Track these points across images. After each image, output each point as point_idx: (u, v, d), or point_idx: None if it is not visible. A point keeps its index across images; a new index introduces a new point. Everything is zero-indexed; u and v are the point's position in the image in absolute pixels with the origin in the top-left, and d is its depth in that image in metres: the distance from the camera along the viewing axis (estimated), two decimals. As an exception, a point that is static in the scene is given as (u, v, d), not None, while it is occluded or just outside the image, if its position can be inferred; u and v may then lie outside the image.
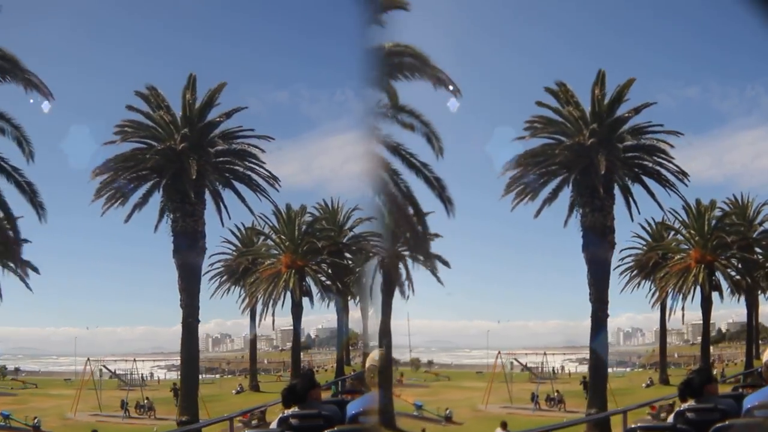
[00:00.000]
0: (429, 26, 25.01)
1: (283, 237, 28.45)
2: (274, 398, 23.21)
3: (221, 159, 25.08)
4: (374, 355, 7.87)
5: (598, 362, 24.04)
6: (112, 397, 25.05)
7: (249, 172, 25.26)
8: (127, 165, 23.80)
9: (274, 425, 6.77)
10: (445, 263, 27.91)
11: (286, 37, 31.24)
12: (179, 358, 24.58)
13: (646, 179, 24.87)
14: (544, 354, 28.78)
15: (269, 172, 25.22)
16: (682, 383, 7.22)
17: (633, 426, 7.63)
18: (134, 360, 27.78)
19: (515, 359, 28.31)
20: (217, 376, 31.77)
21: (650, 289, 29.75)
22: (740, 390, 7.93)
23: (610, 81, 24.06)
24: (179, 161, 23.70)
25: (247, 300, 28.35)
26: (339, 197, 29.94)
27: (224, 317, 29.77)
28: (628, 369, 32.60)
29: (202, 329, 32.69)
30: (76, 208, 22.89)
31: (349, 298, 30.23)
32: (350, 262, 29.66)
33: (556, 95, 24.50)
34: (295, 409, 6.75)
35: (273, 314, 27.41)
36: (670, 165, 24.83)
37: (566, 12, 26.01)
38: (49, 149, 23.81)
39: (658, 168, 25.02)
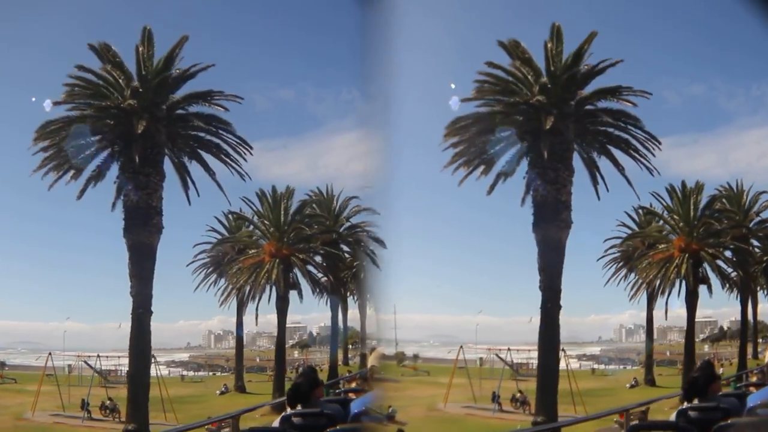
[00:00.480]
0: (429, 24, 25.12)
1: (266, 222, 26.71)
2: (257, 401, 23.05)
3: (181, 123, 22.99)
4: (376, 354, 8.12)
5: (547, 364, 21.78)
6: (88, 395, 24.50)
7: (214, 138, 23.17)
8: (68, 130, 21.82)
9: (276, 423, 7.03)
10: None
11: (292, 36, 32.25)
12: (187, 354, 24.44)
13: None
14: (505, 350, 27.72)
15: (240, 139, 23.28)
16: (687, 383, 7.55)
17: (635, 424, 7.97)
18: (98, 356, 27.27)
19: (497, 354, 27.59)
20: (210, 373, 31.96)
21: (628, 281, 28.75)
22: (743, 389, 8.34)
23: (616, 78, 22.32)
24: (129, 123, 21.67)
25: (229, 293, 26.92)
26: (332, 183, 29.37)
27: (227, 314, 29.53)
28: (621, 367, 32.98)
29: (206, 326, 33.60)
30: (78, 204, 22.72)
31: (348, 294, 29.52)
32: (347, 255, 28.64)
33: (507, 51, 22.22)
34: (297, 408, 7.01)
35: (257, 308, 26.23)
36: (638, 132, 22.60)
37: (570, 9, 26.22)
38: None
39: (624, 135, 22.69)
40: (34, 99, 22.28)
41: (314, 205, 28.36)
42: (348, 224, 29.33)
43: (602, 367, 33.10)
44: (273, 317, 29.45)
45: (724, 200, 28.98)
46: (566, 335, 32.63)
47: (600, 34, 22.24)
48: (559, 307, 21.82)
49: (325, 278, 27.37)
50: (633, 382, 28.89)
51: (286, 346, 30.66)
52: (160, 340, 31.74)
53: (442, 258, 29.98)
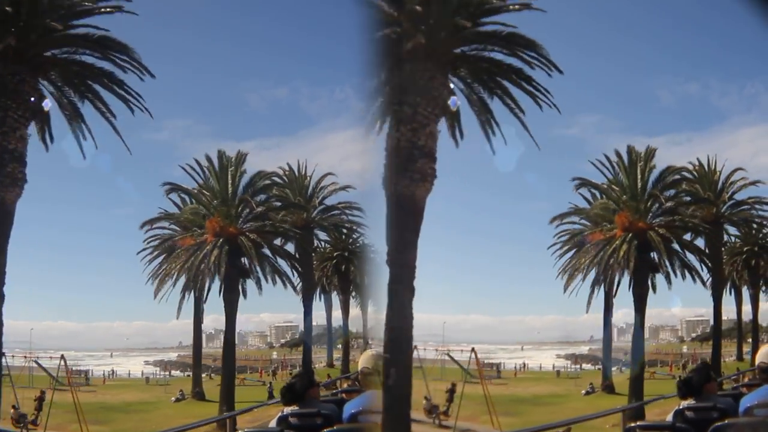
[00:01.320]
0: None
1: (206, 193, 23.97)
2: (212, 411, 22.55)
3: (58, 41, 19.45)
4: (367, 356, 8.49)
5: (397, 372, 17.67)
6: (26, 398, 23.49)
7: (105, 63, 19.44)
8: None
9: (273, 424, 7.35)
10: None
11: (286, 35, 33.28)
12: (176, 354, 24.41)
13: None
14: (447, 348, 28.11)
15: (141, 66, 19.62)
16: (681, 382, 8.06)
17: (632, 425, 8.43)
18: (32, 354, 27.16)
19: (448, 354, 27.87)
20: (186, 374, 31.86)
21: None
22: (740, 389, 8.90)
23: (611, 77, 19.70)
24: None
25: (161, 279, 25.01)
26: (306, 159, 28.20)
27: (220, 312, 29.79)
28: (597, 368, 33.58)
29: (197, 325, 33.35)
30: (76, 203, 22.05)
31: (332, 289, 28.62)
32: (327, 244, 27.65)
33: None
34: (294, 408, 7.34)
35: (204, 300, 24.62)
36: (531, 54, 19.01)
37: (568, 8, 26.98)
38: (53, 147, 22.68)
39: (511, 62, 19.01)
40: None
41: (276, 178, 26.30)
42: (322, 207, 27.66)
43: (576, 368, 33.93)
44: (266, 316, 29.97)
45: (686, 173, 26.47)
46: (560, 335, 34.63)
47: (596, 33, 22.30)
48: (413, 289, 18.04)
49: (296, 267, 25.10)
50: (589, 389, 28.18)
51: (277, 345, 30.76)
52: (152, 339, 34.47)
53: (439, 258, 30.82)
